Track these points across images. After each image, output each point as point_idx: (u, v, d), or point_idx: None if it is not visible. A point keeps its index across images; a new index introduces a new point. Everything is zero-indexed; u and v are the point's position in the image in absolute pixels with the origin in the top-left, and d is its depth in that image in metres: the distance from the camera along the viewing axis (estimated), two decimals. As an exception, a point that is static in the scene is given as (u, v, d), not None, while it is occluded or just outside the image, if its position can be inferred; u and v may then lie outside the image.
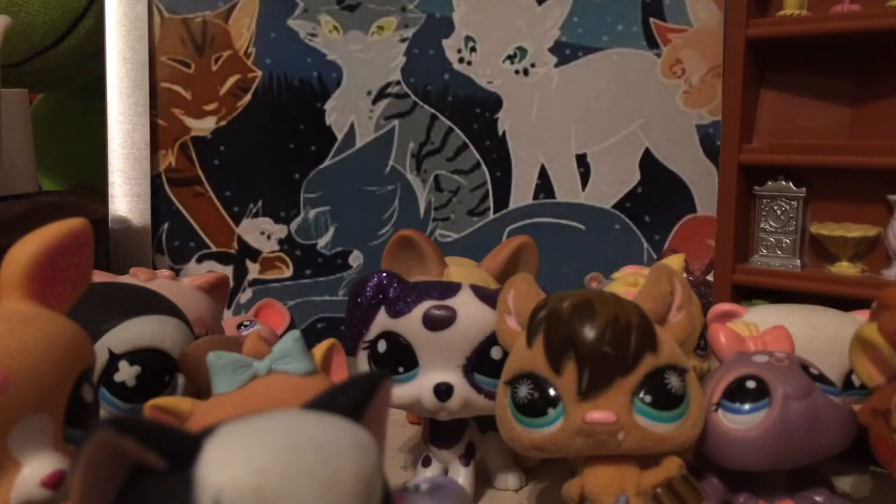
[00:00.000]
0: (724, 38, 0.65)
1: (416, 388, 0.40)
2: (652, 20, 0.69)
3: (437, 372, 0.40)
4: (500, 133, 0.69)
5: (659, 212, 0.70)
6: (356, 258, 0.69)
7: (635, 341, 0.35)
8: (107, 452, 0.18)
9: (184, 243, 0.68)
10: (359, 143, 0.68)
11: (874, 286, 0.49)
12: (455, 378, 0.40)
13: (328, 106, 0.68)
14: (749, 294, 0.55)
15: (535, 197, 0.70)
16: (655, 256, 0.69)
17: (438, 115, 0.69)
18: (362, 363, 0.42)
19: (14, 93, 0.63)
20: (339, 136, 0.68)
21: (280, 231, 0.68)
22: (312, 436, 0.19)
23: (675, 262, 0.48)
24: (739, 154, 0.54)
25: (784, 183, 0.54)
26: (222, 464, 0.18)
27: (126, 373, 0.38)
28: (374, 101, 0.68)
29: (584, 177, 0.70)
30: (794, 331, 0.40)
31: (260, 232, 0.68)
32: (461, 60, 0.69)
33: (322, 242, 0.69)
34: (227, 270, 0.67)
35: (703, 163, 0.70)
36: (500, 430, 0.38)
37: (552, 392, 0.35)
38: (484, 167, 0.69)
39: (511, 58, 0.69)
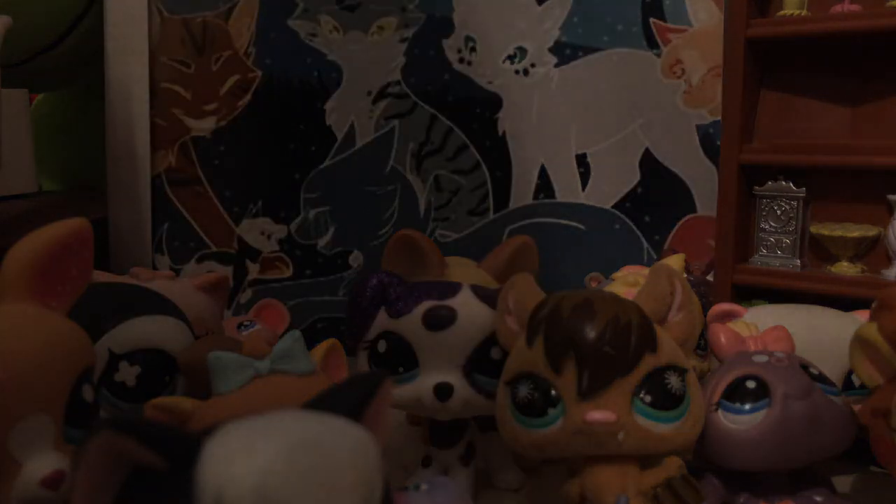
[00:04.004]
0: (724, 38, 0.65)
1: (417, 388, 0.40)
2: (652, 20, 0.69)
3: (437, 372, 0.40)
4: (500, 133, 0.69)
5: (659, 212, 0.70)
6: (356, 258, 0.69)
7: (635, 341, 0.35)
8: (107, 452, 0.18)
9: (184, 243, 0.68)
10: (359, 143, 0.68)
11: (874, 286, 0.48)
12: (455, 378, 0.40)
13: (328, 106, 0.68)
14: (749, 294, 0.55)
15: (535, 197, 0.70)
16: (655, 256, 0.69)
17: (438, 115, 0.69)
18: (362, 363, 0.42)
19: (14, 93, 0.63)
20: (339, 136, 0.68)
21: (280, 231, 0.68)
22: (313, 436, 0.19)
23: (675, 262, 0.48)
24: (739, 154, 0.54)
25: (784, 183, 0.54)
26: (223, 463, 0.18)
27: (126, 373, 0.38)
28: (374, 101, 0.68)
29: (584, 177, 0.70)
30: (794, 331, 0.40)
31: (260, 232, 0.68)
32: (461, 60, 0.69)
33: (322, 242, 0.69)
34: (227, 270, 0.67)
35: (703, 163, 0.69)
36: (500, 430, 0.38)
37: (552, 392, 0.35)
38: (484, 167, 0.69)
39: (511, 58, 0.69)
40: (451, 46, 0.69)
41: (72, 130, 0.83)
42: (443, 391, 0.40)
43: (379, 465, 0.20)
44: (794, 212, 0.54)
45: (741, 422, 0.35)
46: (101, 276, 0.45)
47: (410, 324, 0.40)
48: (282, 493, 0.17)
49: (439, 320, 0.40)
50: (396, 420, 0.53)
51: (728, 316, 0.44)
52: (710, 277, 0.58)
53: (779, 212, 0.55)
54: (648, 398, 0.35)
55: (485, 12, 0.69)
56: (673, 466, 0.35)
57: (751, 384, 0.36)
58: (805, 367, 0.37)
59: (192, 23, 0.67)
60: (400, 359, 0.41)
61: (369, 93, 0.68)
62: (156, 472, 0.18)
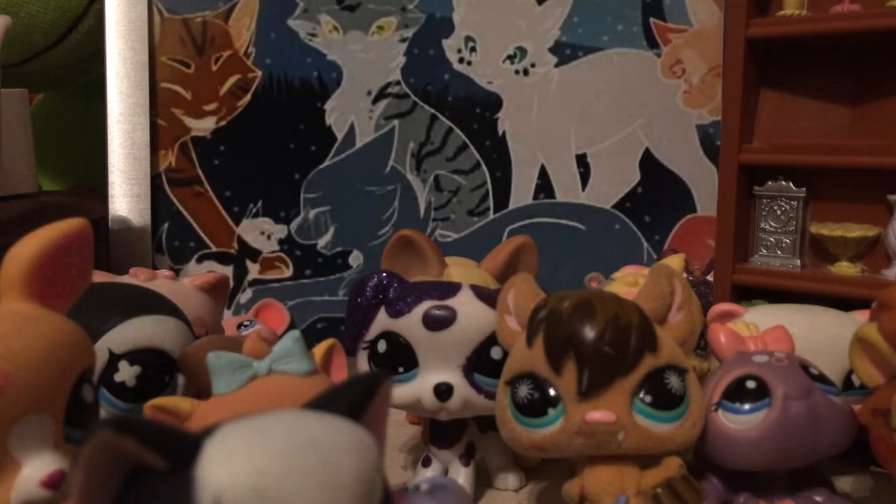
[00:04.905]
0: (724, 38, 0.65)
1: (416, 388, 0.40)
2: (652, 20, 0.69)
3: (437, 372, 0.40)
4: (500, 133, 0.69)
5: (659, 212, 0.70)
6: (356, 258, 0.69)
7: (635, 341, 0.35)
8: (107, 452, 0.18)
9: (184, 243, 0.68)
10: (359, 143, 0.68)
11: (874, 286, 0.48)
12: (455, 378, 0.40)
13: (328, 106, 0.68)
14: (749, 294, 0.55)
15: (535, 197, 0.70)
16: (655, 256, 0.69)
17: (438, 115, 0.69)
18: (362, 363, 0.42)
19: (14, 93, 0.63)
20: (339, 136, 0.68)
21: (280, 231, 0.68)
22: (313, 436, 0.19)
23: (675, 262, 0.48)
24: (739, 154, 0.54)
25: (784, 183, 0.54)
26: (222, 464, 0.18)
27: (126, 373, 0.38)
28: (374, 101, 0.68)
29: (584, 177, 0.70)
30: (794, 331, 0.40)
31: (260, 232, 0.68)
32: (461, 60, 0.69)
33: (322, 242, 0.69)
34: (227, 270, 0.67)
35: (703, 163, 0.70)
36: (500, 430, 0.38)
37: (552, 392, 0.35)
38: (484, 167, 0.69)
39: (511, 58, 0.69)
40: (451, 46, 0.69)
41: (72, 130, 0.83)
42: (443, 391, 0.40)
43: (379, 465, 0.20)
44: (794, 212, 0.54)
45: (741, 422, 0.35)
46: (101, 276, 0.45)
47: (410, 324, 0.40)
48: (282, 493, 0.17)
49: (439, 320, 0.40)
50: (396, 420, 0.53)
51: (728, 316, 0.44)
52: (710, 277, 0.58)
53: (779, 212, 0.55)
54: (648, 398, 0.35)
55: (485, 12, 0.69)
56: (673, 466, 0.35)
57: (751, 384, 0.36)
58: (805, 367, 0.37)
59: (192, 22, 0.67)
60: (400, 359, 0.41)
61: (369, 93, 0.68)
62: (156, 472, 0.18)
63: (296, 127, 0.68)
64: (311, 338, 0.37)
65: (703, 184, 0.69)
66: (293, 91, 0.68)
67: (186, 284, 0.48)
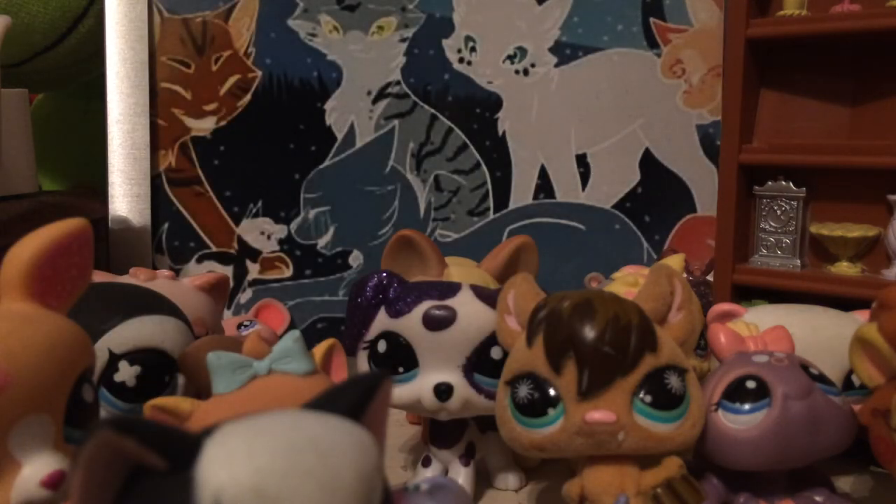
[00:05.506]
0: (724, 38, 0.65)
1: (416, 388, 0.40)
2: (652, 20, 0.69)
3: (437, 372, 0.40)
4: (500, 133, 0.69)
5: (659, 212, 0.70)
6: (356, 258, 0.69)
7: (635, 341, 0.35)
8: (107, 452, 0.18)
9: (184, 243, 0.68)
10: (359, 143, 0.68)
11: (874, 286, 0.49)
12: (455, 378, 0.40)
13: (328, 106, 0.68)
14: (749, 294, 0.55)
15: (535, 197, 0.70)
16: (655, 256, 0.69)
17: (438, 115, 0.69)
18: (362, 363, 0.42)
19: (14, 93, 0.63)
20: (339, 136, 0.68)
21: (280, 231, 0.68)
22: (313, 436, 0.19)
23: (675, 262, 0.48)
24: (739, 154, 0.54)
25: (784, 183, 0.54)
26: (222, 464, 0.18)
27: (126, 373, 0.38)
28: (374, 101, 0.68)
29: (584, 177, 0.70)
30: (794, 331, 0.40)
31: (260, 232, 0.68)
32: (461, 60, 0.69)
33: (322, 242, 0.69)
34: (227, 270, 0.67)
35: (703, 163, 0.70)
36: (500, 430, 0.38)
37: (552, 392, 0.35)
38: (484, 167, 0.69)
39: (511, 58, 0.69)
40: (451, 46, 0.69)
41: (72, 130, 0.83)
42: (443, 391, 0.40)
43: (379, 465, 0.20)
44: (794, 212, 0.54)
45: (741, 422, 0.35)
46: (100, 276, 0.45)
47: (410, 324, 0.40)
48: (281, 494, 0.17)
49: (439, 320, 0.40)
50: (396, 420, 0.53)
51: (728, 316, 0.44)
52: (710, 277, 0.58)
53: (779, 212, 0.55)
54: (648, 398, 0.35)
55: (485, 12, 0.69)
56: (673, 466, 0.35)
57: (751, 384, 0.36)
58: (805, 367, 0.37)
59: (192, 22, 0.67)
60: (400, 359, 0.41)
61: (369, 93, 0.68)
62: (156, 472, 0.18)
63: (296, 127, 0.68)
64: (311, 338, 0.37)
65: (703, 184, 0.69)
66: (293, 91, 0.68)
67: (186, 284, 0.48)
